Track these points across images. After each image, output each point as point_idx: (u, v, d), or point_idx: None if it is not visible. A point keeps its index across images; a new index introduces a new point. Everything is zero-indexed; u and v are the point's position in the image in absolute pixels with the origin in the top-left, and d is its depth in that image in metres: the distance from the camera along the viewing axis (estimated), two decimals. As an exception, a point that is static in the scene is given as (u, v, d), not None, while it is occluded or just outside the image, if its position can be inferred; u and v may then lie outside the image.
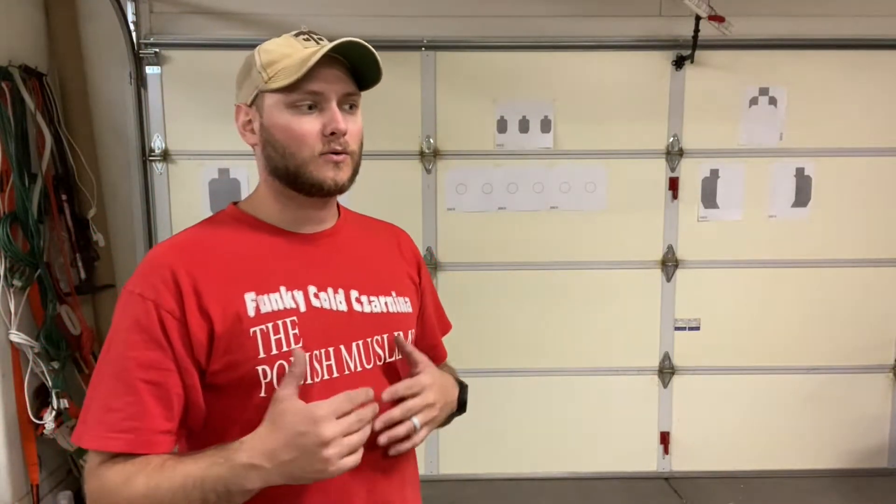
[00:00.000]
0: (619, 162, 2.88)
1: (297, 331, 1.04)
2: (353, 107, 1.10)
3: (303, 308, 1.06)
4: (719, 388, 3.00)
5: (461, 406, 1.22)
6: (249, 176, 2.82)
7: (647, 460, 3.04)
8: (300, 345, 1.04)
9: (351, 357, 1.09)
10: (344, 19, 2.76)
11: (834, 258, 2.93)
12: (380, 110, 2.80)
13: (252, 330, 1.01)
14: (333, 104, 1.06)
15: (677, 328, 2.97)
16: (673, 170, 2.88)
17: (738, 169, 2.90)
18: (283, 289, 1.06)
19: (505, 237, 2.89)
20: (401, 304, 1.19)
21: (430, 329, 1.32)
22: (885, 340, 3.00)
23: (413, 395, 1.08)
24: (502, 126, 2.85)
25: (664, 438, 3.02)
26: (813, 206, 2.91)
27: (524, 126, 2.85)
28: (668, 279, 2.94)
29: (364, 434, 0.97)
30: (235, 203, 1.16)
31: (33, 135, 2.50)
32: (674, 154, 2.87)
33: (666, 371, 2.98)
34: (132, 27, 2.69)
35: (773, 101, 2.86)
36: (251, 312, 1.02)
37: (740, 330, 2.97)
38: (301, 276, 1.09)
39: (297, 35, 1.08)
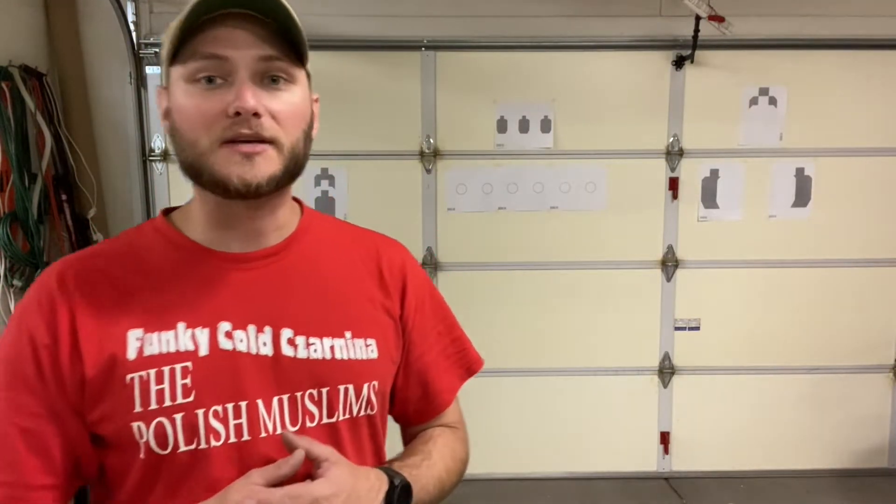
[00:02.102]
0: (619, 162, 2.88)
1: (188, 380, 0.82)
2: (280, 80, 0.83)
3: (203, 351, 0.83)
4: (719, 388, 3.00)
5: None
6: (249, 176, 2.82)
7: (647, 460, 3.04)
8: (191, 398, 0.81)
9: (270, 415, 0.85)
10: (344, 19, 2.76)
11: (834, 258, 2.93)
12: (380, 110, 2.81)
13: (129, 377, 0.81)
14: (242, 74, 0.80)
15: (677, 328, 2.97)
16: (673, 170, 2.88)
17: (738, 169, 2.90)
18: (181, 326, 0.84)
19: (505, 237, 2.89)
20: (357, 349, 0.92)
21: (426, 375, 1.03)
22: (885, 340, 3.00)
23: None
24: (502, 126, 2.85)
25: (664, 438, 3.02)
26: (813, 206, 2.91)
27: (524, 126, 2.85)
28: (668, 279, 2.94)
29: None
30: (167, 211, 0.94)
31: (33, 135, 2.50)
32: (674, 154, 2.87)
33: (666, 371, 2.98)
34: (132, 27, 2.69)
35: (773, 101, 2.86)
36: (131, 354, 0.82)
37: (740, 330, 2.96)
38: (212, 310, 0.85)
39: None
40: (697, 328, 2.97)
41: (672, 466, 3.04)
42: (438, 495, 1.00)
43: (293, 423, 0.86)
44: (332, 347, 0.90)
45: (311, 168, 2.80)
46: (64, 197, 2.63)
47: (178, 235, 0.90)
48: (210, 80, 0.81)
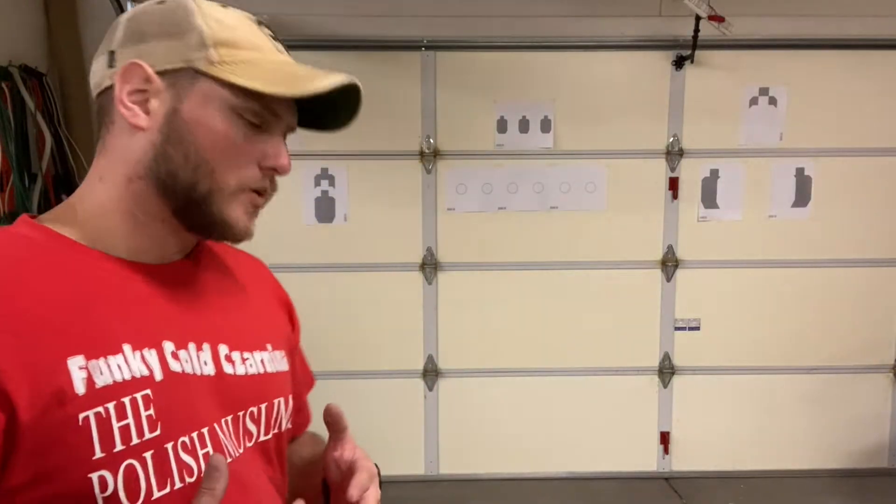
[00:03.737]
0: (619, 162, 2.88)
1: (151, 411, 0.70)
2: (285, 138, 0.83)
3: (158, 375, 0.72)
4: (719, 388, 3.00)
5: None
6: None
7: (647, 460, 3.04)
8: (158, 432, 0.70)
9: (220, 441, 0.76)
10: (344, 19, 2.76)
11: (834, 258, 2.93)
12: (380, 110, 2.81)
13: (82, 415, 0.65)
14: (280, 131, 0.80)
15: (677, 328, 2.97)
16: (673, 170, 2.88)
17: (738, 169, 2.90)
18: (127, 348, 0.70)
19: (505, 237, 2.89)
20: (278, 361, 0.88)
21: (297, 388, 0.97)
22: (885, 340, 3.00)
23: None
24: (502, 126, 2.85)
25: (664, 438, 3.02)
26: (813, 206, 2.91)
27: (524, 126, 2.85)
28: (668, 279, 2.94)
29: None
30: (32, 217, 0.77)
31: (33, 135, 2.50)
32: (674, 154, 2.87)
33: (666, 371, 2.98)
34: (132, 27, 2.68)
35: (773, 101, 2.86)
36: (80, 388, 0.66)
37: (740, 330, 2.96)
38: (153, 328, 0.74)
39: (258, 23, 0.80)
40: (697, 328, 2.97)
41: (672, 466, 3.04)
42: None
43: (238, 446, 0.79)
44: (262, 361, 0.85)
45: (312, 168, 2.81)
46: (64, 197, 2.63)
47: (80, 245, 0.74)
48: (255, 125, 0.76)
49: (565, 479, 3.00)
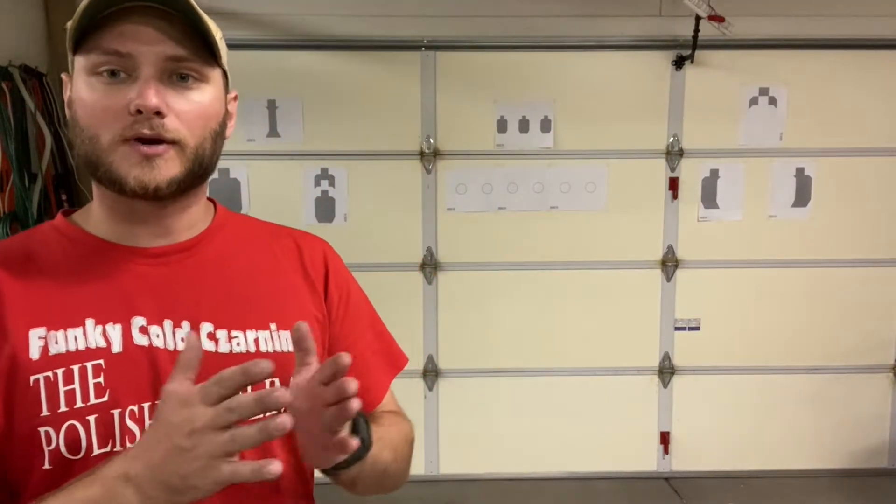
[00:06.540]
0: (619, 162, 2.88)
1: (101, 379, 0.76)
2: (189, 78, 0.80)
3: (117, 348, 0.78)
4: (719, 388, 3.00)
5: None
6: (250, 176, 2.82)
7: (647, 460, 3.04)
8: (105, 398, 0.76)
9: None
10: (344, 19, 2.76)
11: (834, 258, 2.93)
12: (380, 110, 2.81)
13: (33, 378, 0.75)
14: (146, 72, 0.77)
15: (677, 328, 2.97)
16: (673, 170, 2.88)
17: (738, 169, 2.90)
18: (90, 322, 0.78)
19: (505, 237, 2.89)
20: (283, 342, 0.86)
21: (352, 372, 0.84)
22: (885, 340, 3.00)
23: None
24: (502, 126, 2.85)
25: (664, 438, 3.02)
26: (813, 206, 2.91)
27: (524, 126, 2.85)
28: (668, 279, 2.94)
29: (257, 433, 0.64)
30: (66, 212, 0.89)
31: (33, 135, 2.50)
32: (674, 154, 2.87)
33: (666, 371, 2.98)
34: (132, 27, 2.68)
35: (773, 101, 2.86)
36: (34, 354, 0.76)
37: (740, 330, 2.96)
38: (123, 306, 0.81)
39: None
40: (697, 328, 2.97)
41: (672, 466, 3.04)
42: (386, 468, 0.88)
43: None
44: (255, 340, 0.85)
45: (311, 168, 2.81)
46: (64, 197, 2.63)
47: (76, 230, 0.85)
48: (113, 73, 0.78)
49: (565, 479, 3.00)
